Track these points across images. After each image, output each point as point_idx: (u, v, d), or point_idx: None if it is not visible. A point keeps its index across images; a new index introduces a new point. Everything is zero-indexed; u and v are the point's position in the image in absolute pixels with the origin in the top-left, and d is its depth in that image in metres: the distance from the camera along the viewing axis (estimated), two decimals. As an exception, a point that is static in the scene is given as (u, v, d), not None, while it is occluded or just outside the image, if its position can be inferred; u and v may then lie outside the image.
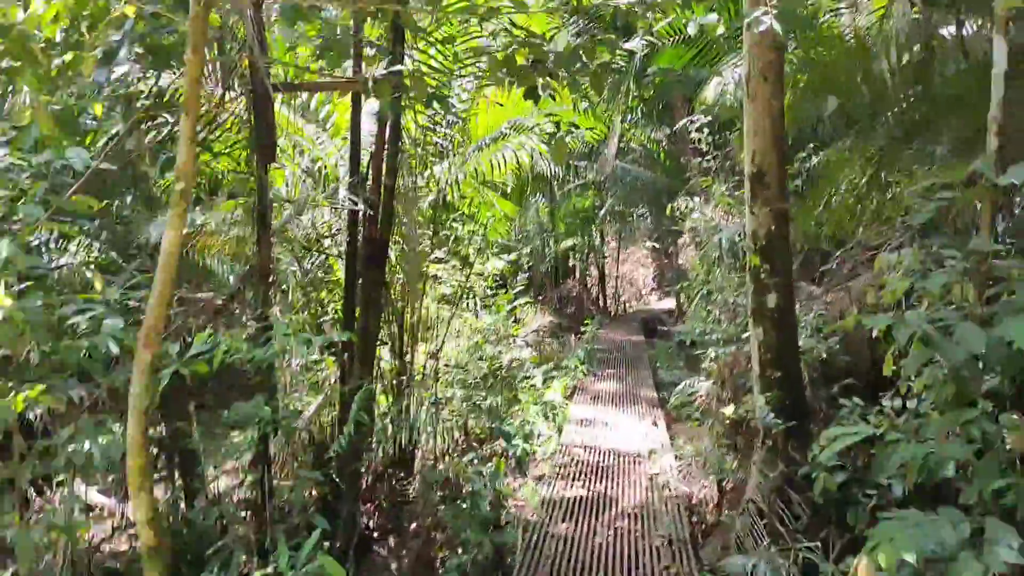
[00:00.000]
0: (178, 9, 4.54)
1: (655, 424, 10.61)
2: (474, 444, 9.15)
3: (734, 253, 9.15)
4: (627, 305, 29.75)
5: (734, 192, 9.96)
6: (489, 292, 18.58)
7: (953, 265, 4.11)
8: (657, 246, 35.55)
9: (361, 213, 6.47)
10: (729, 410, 8.08)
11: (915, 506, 3.61)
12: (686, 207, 10.69)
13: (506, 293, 13.49)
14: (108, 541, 6.96)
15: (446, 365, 9.69)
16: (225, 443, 7.46)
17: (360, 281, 6.53)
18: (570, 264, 25.38)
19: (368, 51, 6.42)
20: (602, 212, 25.24)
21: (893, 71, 7.36)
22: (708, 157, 10.60)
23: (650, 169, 19.57)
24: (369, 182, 6.50)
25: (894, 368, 4.21)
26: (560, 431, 10.03)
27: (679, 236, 30.38)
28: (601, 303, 26.98)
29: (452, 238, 9.60)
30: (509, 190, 18.52)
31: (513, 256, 16.12)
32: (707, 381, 9.66)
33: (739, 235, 8.87)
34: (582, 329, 20.71)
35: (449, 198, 8.72)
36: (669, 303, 32.82)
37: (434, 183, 8.21)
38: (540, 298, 23.14)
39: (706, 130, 10.32)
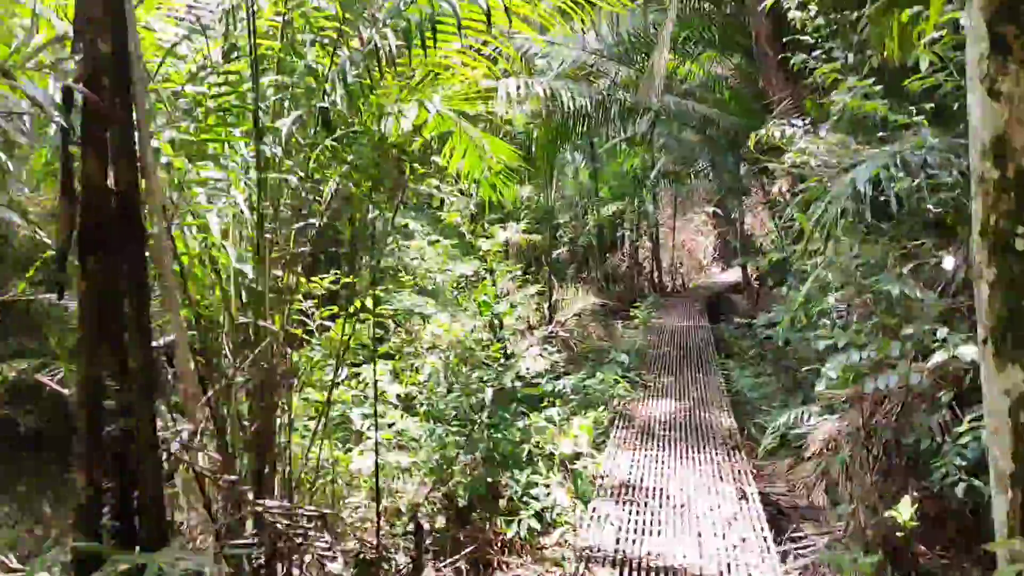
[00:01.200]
0: None
1: (743, 495, 6.49)
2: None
3: (881, 207, 5.24)
4: (686, 280, 25.67)
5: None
6: (509, 276, 14.91)
7: None
8: (719, 211, 31.51)
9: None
10: (904, 507, 4.24)
11: None
12: (781, 136, 6.72)
13: (517, 279, 9.72)
14: None
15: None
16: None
17: (84, 285, 2.87)
18: (617, 235, 21.38)
19: None
20: (654, 172, 21.22)
21: None
22: (818, 53, 6.58)
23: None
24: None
25: None
26: (584, 511, 6.19)
27: (745, 196, 26.22)
28: (655, 279, 23.03)
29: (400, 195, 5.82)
30: (533, 145, 14.73)
31: (522, 226, 12.30)
32: (831, 420, 5.80)
33: (894, 168, 4.94)
34: (632, 313, 16.89)
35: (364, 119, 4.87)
36: (734, 275, 28.61)
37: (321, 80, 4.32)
38: (582, 275, 19.32)
39: (813, 8, 6.34)
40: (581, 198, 19.43)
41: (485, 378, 6.45)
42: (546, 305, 17.99)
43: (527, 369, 8.11)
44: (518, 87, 8.64)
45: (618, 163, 19.17)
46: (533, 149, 14.72)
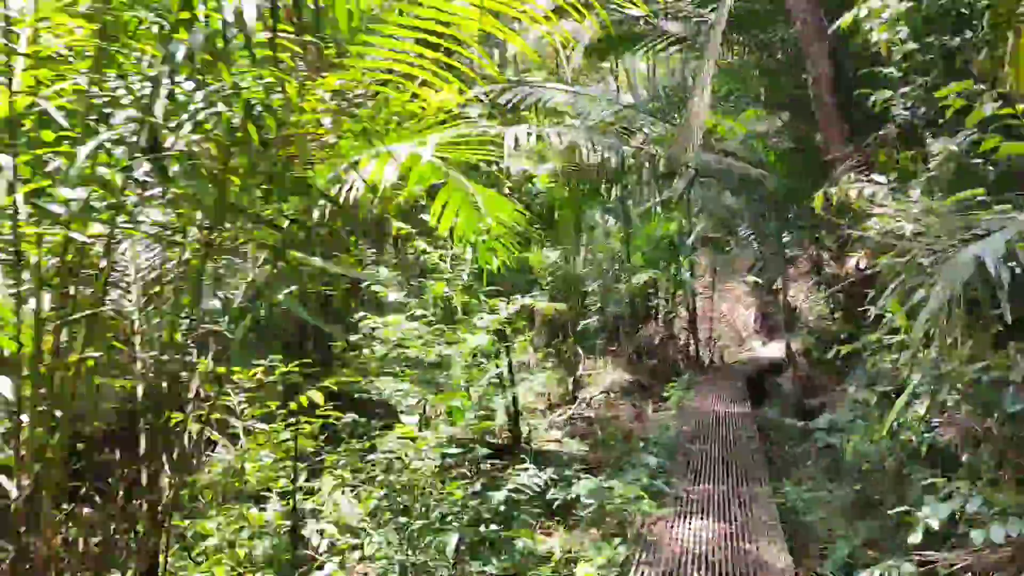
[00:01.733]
0: None
1: None
2: None
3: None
4: (724, 354, 23.87)
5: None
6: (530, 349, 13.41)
7: None
8: (759, 280, 29.85)
9: None
10: None
11: None
12: (856, 194, 5.18)
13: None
14: None
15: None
16: None
17: None
18: (650, 304, 19.83)
19: None
20: (691, 238, 19.72)
21: None
22: (906, 90, 5.09)
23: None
24: None
25: None
26: None
27: (790, 265, 24.59)
28: (692, 352, 21.31)
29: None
30: (556, 206, 13.36)
31: (536, 294, 10.86)
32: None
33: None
34: (665, 394, 15.20)
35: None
36: (776, 349, 26.70)
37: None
38: (612, 348, 17.75)
39: (903, 30, 4.88)
40: (612, 264, 17.93)
41: (449, 516, 4.88)
42: (570, 380, 16.42)
43: (534, 475, 6.52)
44: (529, 135, 7.28)
45: (652, 226, 17.71)
46: (557, 210, 13.37)
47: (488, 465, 6.81)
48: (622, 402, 15.26)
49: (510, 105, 8.47)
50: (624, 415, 14.58)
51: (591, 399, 15.60)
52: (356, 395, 6.23)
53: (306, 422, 4.77)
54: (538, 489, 6.43)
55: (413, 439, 4.90)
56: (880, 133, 6.41)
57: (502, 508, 5.77)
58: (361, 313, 6.10)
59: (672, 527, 6.72)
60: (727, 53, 11.46)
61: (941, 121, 5.39)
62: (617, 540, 6.00)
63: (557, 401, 14.89)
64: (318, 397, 4.89)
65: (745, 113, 14.59)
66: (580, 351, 16.69)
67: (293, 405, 4.74)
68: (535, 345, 15.88)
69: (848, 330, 7.65)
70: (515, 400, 10.91)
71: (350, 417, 5.49)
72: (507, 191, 8.22)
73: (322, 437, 5.27)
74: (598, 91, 13.63)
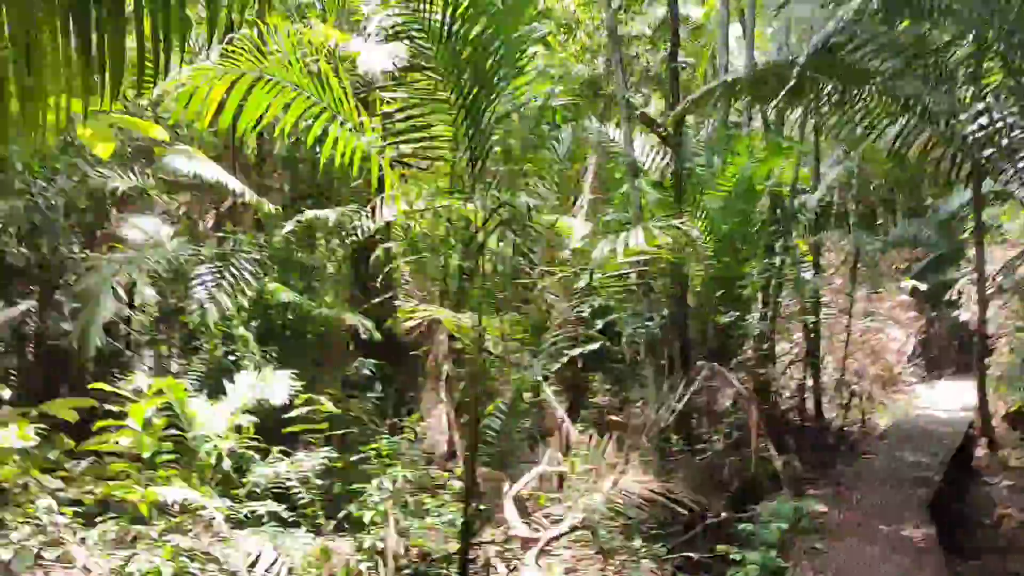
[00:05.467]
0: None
1: None
2: None
3: None
4: (866, 406, 14.26)
5: None
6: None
7: None
8: (922, 286, 19.90)
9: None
10: None
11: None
12: None
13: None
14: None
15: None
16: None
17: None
18: (727, 320, 10.58)
19: None
20: (816, 197, 10.62)
21: None
22: None
23: None
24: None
25: None
26: None
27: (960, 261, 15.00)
28: (808, 408, 12.03)
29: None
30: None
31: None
32: None
33: None
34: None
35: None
36: (953, 397, 16.93)
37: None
38: (615, 416, 8.91)
39: None
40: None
41: None
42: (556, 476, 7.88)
43: None
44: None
45: (733, 170, 8.66)
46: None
47: None
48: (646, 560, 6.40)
49: None
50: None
51: (570, 530, 6.80)
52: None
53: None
54: None
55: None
56: None
57: None
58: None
59: None
60: None
61: None
62: None
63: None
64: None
65: None
66: (565, 420, 7.96)
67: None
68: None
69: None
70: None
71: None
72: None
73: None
74: None
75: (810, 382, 12.75)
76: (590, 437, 7.88)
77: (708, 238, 8.69)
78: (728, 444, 8.23)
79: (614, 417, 8.45)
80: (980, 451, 12.68)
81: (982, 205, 13.76)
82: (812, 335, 12.38)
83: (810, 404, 12.46)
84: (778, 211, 10.38)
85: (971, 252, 19.01)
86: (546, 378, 8.12)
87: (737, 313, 8.98)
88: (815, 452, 9.97)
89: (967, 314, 20.06)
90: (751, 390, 8.51)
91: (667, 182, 9.27)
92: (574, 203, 9.71)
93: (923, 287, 19.38)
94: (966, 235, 17.70)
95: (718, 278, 8.76)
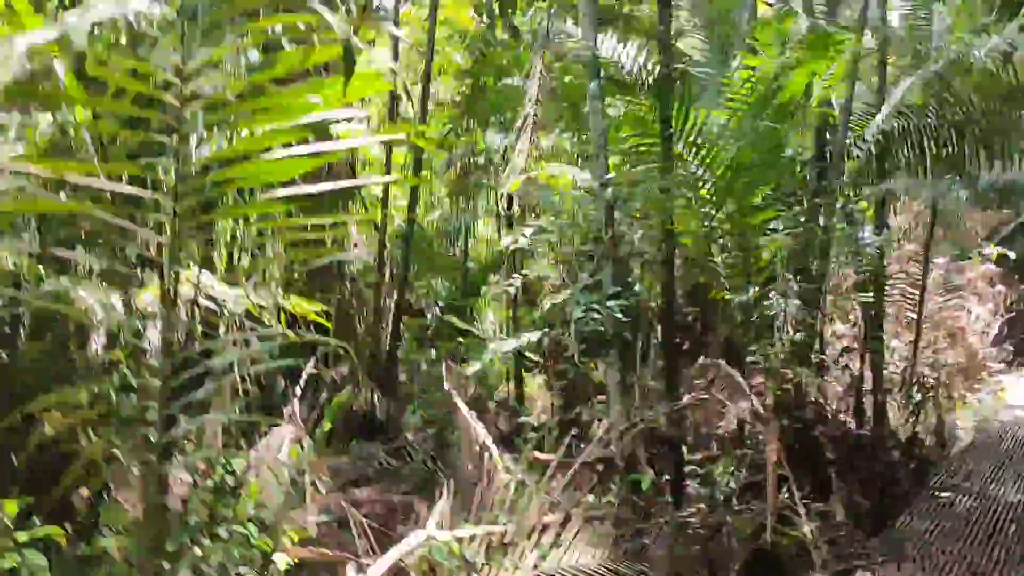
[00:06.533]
0: None
1: None
2: None
3: None
4: (943, 405, 11.07)
5: None
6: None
7: None
8: (1011, 254, 16.55)
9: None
10: None
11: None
12: None
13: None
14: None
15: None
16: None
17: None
18: (745, 300, 7.51)
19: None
20: (873, 128, 7.50)
21: None
22: None
23: None
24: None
25: None
26: None
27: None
28: (864, 417, 8.99)
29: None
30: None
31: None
32: None
33: None
34: None
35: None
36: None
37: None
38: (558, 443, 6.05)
39: None
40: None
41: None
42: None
43: None
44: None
45: (751, 68, 5.66)
46: None
47: None
48: None
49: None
50: None
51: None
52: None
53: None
54: None
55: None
56: None
57: None
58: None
59: None
60: None
61: None
62: None
63: None
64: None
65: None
66: (489, 450, 5.19)
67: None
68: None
69: None
70: None
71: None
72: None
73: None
74: None
75: (869, 375, 9.69)
76: (520, 482, 5.09)
77: (711, 176, 5.73)
78: (732, 492, 5.33)
79: (538, 455, 5.59)
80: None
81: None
82: (873, 315, 9.29)
83: (868, 407, 9.41)
84: (823, 144, 7.34)
85: (1080, 210, 15.54)
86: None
87: (756, 288, 6.02)
88: (871, 484, 7.00)
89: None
90: (773, 404, 5.56)
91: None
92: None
93: (1012, 255, 15.90)
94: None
95: (726, 235, 5.81)
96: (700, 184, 5.56)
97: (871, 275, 8.45)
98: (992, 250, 15.81)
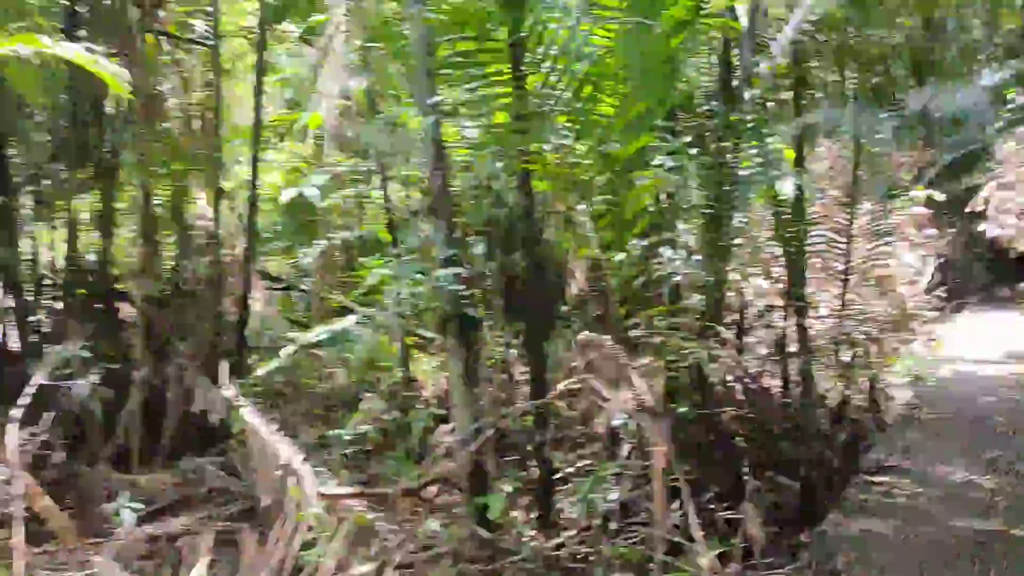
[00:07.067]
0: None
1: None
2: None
3: None
4: (874, 364, 10.09)
5: None
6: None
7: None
8: (940, 196, 15.98)
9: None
10: None
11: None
12: None
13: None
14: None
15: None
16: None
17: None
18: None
19: None
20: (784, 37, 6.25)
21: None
22: None
23: None
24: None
25: None
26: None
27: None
28: (789, 385, 7.90)
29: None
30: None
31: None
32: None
33: None
34: None
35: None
36: (996, 334, 12.89)
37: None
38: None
39: None
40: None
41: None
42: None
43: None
44: None
45: None
46: None
47: None
48: None
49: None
50: None
51: None
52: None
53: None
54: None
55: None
56: None
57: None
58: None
59: None
60: None
61: None
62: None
63: None
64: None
65: None
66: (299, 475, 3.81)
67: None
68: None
69: None
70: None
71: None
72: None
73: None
74: None
75: (795, 336, 8.60)
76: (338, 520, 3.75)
77: (575, 99, 4.38)
78: (611, 512, 4.07)
79: (335, 490, 4.21)
80: None
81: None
82: (793, 269, 8.17)
83: (794, 373, 8.33)
84: (728, 64, 6.09)
85: (1009, 146, 14.79)
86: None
87: (645, 242, 4.74)
88: (797, 470, 5.88)
89: (995, 227, 15.94)
90: (663, 390, 4.31)
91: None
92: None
93: (941, 197, 15.09)
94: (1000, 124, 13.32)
95: (594, 176, 4.48)
96: (557, 110, 4.22)
97: (790, 223, 7.28)
98: (920, 192, 14.97)
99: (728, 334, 8.15)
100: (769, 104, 6.90)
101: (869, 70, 7.29)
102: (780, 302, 8.83)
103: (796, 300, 8.34)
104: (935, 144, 17.53)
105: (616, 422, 4.23)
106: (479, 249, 4.61)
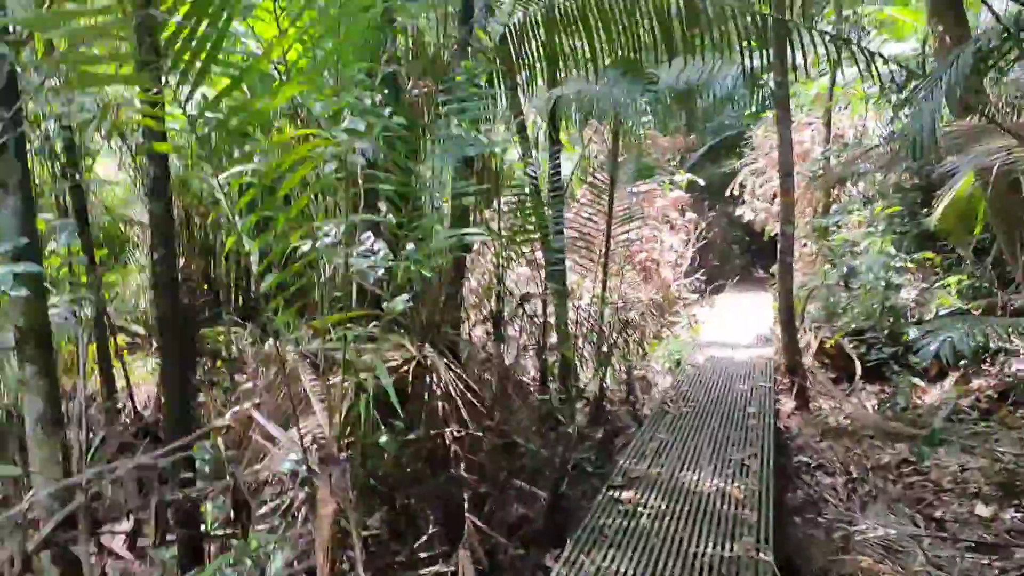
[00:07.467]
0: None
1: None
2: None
3: None
4: (634, 352, 9.81)
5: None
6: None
7: None
8: (700, 181, 16.48)
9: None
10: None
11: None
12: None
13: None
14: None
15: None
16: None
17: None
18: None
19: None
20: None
21: None
22: None
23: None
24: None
25: None
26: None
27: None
28: (548, 378, 7.30)
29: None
30: None
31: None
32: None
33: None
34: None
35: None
36: (751, 315, 13.22)
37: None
38: None
39: None
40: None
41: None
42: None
43: None
44: None
45: None
46: None
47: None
48: None
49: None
50: None
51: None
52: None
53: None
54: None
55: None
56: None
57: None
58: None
59: None
60: None
61: None
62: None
63: None
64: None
65: None
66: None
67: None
68: None
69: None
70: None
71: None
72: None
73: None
74: None
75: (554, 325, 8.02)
76: None
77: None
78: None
79: None
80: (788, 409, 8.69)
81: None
82: (547, 254, 7.53)
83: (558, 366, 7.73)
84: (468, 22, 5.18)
85: (760, 132, 15.34)
86: None
87: (332, 226, 3.66)
88: (541, 489, 5.15)
89: (749, 211, 16.64)
90: (340, 422, 3.31)
91: None
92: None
93: (701, 181, 15.47)
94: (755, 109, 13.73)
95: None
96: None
97: (535, 206, 6.58)
98: (682, 177, 15.25)
99: (479, 331, 7.39)
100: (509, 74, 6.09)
101: (619, 36, 6.64)
102: (539, 291, 8.23)
103: (552, 287, 7.76)
104: (695, 129, 17.98)
105: (285, 466, 3.19)
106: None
